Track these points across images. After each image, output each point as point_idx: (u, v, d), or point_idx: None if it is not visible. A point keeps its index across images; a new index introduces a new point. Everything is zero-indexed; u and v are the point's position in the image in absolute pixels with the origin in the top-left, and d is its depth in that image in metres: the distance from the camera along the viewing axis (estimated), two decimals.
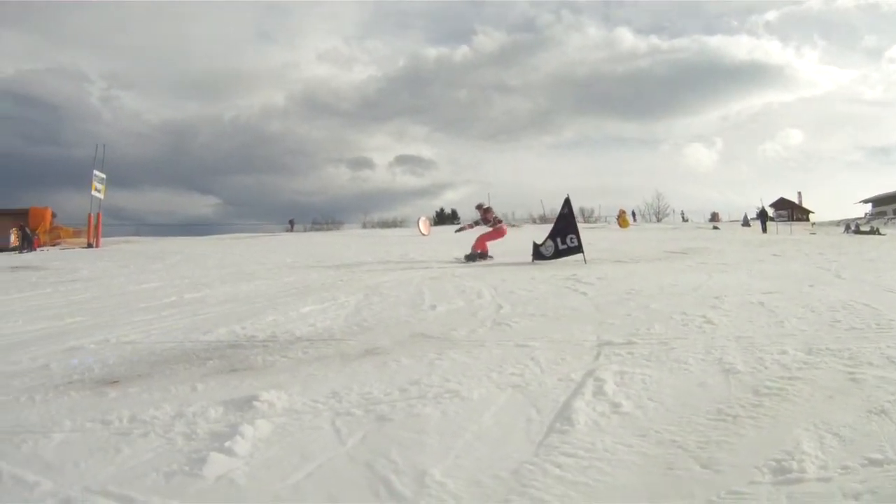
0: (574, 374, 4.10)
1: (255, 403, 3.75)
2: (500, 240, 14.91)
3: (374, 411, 3.60)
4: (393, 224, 47.25)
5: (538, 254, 12.63)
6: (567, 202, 12.83)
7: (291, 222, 50.57)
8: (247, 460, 3.03)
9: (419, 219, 30.62)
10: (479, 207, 15.33)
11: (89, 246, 28.31)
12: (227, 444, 3.17)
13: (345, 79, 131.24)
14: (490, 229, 14.84)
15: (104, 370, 4.91)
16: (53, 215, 37.56)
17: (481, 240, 14.66)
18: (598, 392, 3.71)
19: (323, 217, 55.71)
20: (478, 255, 14.34)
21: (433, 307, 7.06)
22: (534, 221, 47.90)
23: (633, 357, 4.51)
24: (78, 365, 5.10)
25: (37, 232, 32.06)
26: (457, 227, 17.37)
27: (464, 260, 14.27)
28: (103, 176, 30.31)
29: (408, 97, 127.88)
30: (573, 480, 2.65)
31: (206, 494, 2.72)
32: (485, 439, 3.12)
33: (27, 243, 29.51)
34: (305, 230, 47.83)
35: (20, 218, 33.83)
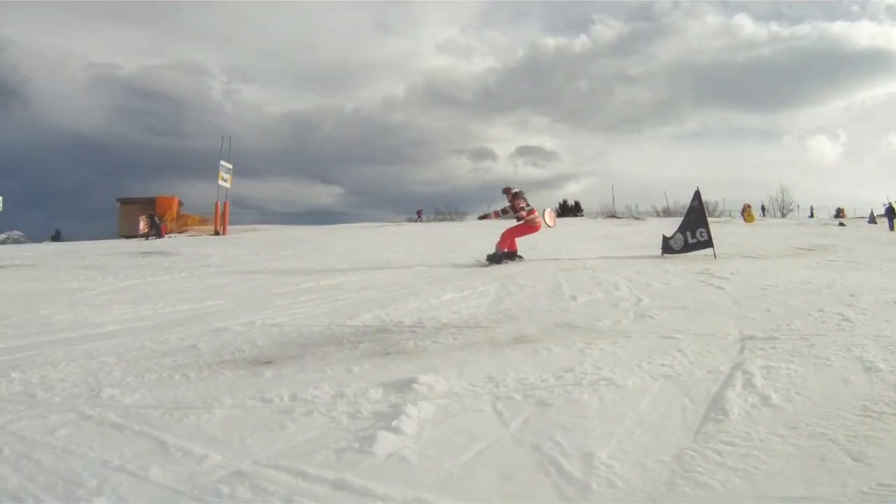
0: (722, 367, 4.24)
1: (415, 386, 3.95)
2: (532, 234, 13.18)
3: (532, 396, 3.76)
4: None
5: (667, 247, 12.57)
6: (697, 195, 12.63)
7: (419, 212, 51.63)
8: (415, 439, 3.20)
9: (545, 210, 30.75)
10: (506, 192, 13.15)
11: (216, 233, 30.10)
12: (393, 423, 3.35)
13: (464, 69, 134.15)
14: (520, 222, 12.85)
15: (255, 351, 5.27)
16: (180, 203, 40.36)
17: (509, 235, 12.74)
18: (748, 384, 3.86)
19: (447, 207, 56.59)
20: (503, 254, 12.42)
21: (573, 298, 7.23)
22: (657, 214, 46.71)
23: (776, 352, 4.60)
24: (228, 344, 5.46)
25: (164, 219, 34.50)
26: (481, 214, 15.43)
27: (485, 262, 12.31)
28: (230, 166, 32.18)
29: (528, 87, 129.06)
30: (733, 467, 2.77)
31: (378, 470, 2.87)
32: (644, 425, 3.26)
33: (155, 230, 31.83)
34: (429, 220, 48.78)
35: (148, 206, 36.70)
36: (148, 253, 18.04)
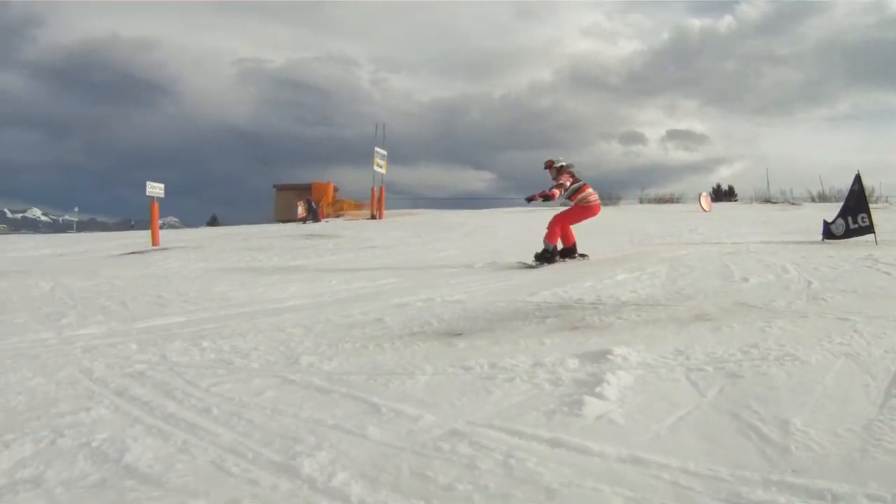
0: None
1: (610, 357, 4.14)
2: (591, 219, 10.61)
3: (723, 369, 3.90)
4: (670, 200, 46.39)
5: (828, 232, 12.08)
6: (858, 179, 12.04)
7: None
8: (619, 404, 3.38)
9: (700, 195, 30.17)
10: (548, 166, 10.63)
11: (373, 217, 31.09)
12: (597, 389, 3.56)
13: (610, 53, 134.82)
14: (571, 204, 10.42)
15: (442, 324, 5.60)
16: (335, 189, 42.04)
17: (559, 222, 10.24)
18: None
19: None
20: (554, 252, 10.04)
21: (745, 279, 7.23)
22: (812, 199, 43.91)
23: None
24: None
25: (320, 204, 36.05)
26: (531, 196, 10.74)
27: (534, 263, 9.82)
28: (384, 152, 33.14)
29: (675, 70, 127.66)
30: None
31: (590, 431, 3.06)
32: (831, 398, 3.36)
33: (312, 215, 33.32)
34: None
35: (304, 192, 38.51)
36: (311, 235, 18.95)
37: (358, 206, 38.86)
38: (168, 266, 12.60)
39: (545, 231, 10.11)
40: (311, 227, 26.60)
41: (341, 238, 17.50)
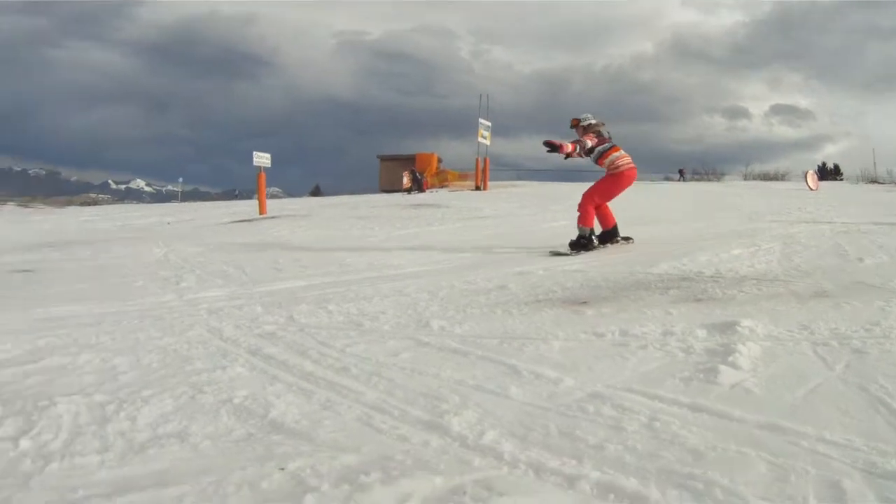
0: None
1: (738, 328, 4.19)
2: (628, 189, 9.18)
3: (847, 345, 3.89)
4: (775, 177, 44.91)
5: None
6: None
7: (681, 172, 50.31)
8: (752, 374, 3.45)
9: (807, 172, 29.22)
10: (574, 125, 9.07)
11: (477, 188, 31.23)
12: (729, 358, 3.63)
13: (712, 24, 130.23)
14: (603, 173, 9.04)
15: (566, 292, 5.71)
16: (439, 160, 42.39)
17: (590, 199, 8.84)
18: None
19: (704, 167, 54.40)
20: (588, 237, 8.73)
21: (860, 259, 7.09)
22: None
23: None
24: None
25: (425, 175, 36.48)
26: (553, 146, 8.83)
27: (569, 251, 8.52)
28: (489, 124, 33.16)
29: (778, 42, 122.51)
30: None
31: (726, 398, 3.15)
32: None
33: (417, 185, 33.87)
34: (688, 180, 47.45)
35: (409, 163, 39.03)
36: (419, 205, 19.24)
37: (462, 177, 39.10)
38: (279, 234, 13.11)
39: (577, 214, 8.85)
40: (417, 197, 27.00)
41: (449, 208, 17.72)
